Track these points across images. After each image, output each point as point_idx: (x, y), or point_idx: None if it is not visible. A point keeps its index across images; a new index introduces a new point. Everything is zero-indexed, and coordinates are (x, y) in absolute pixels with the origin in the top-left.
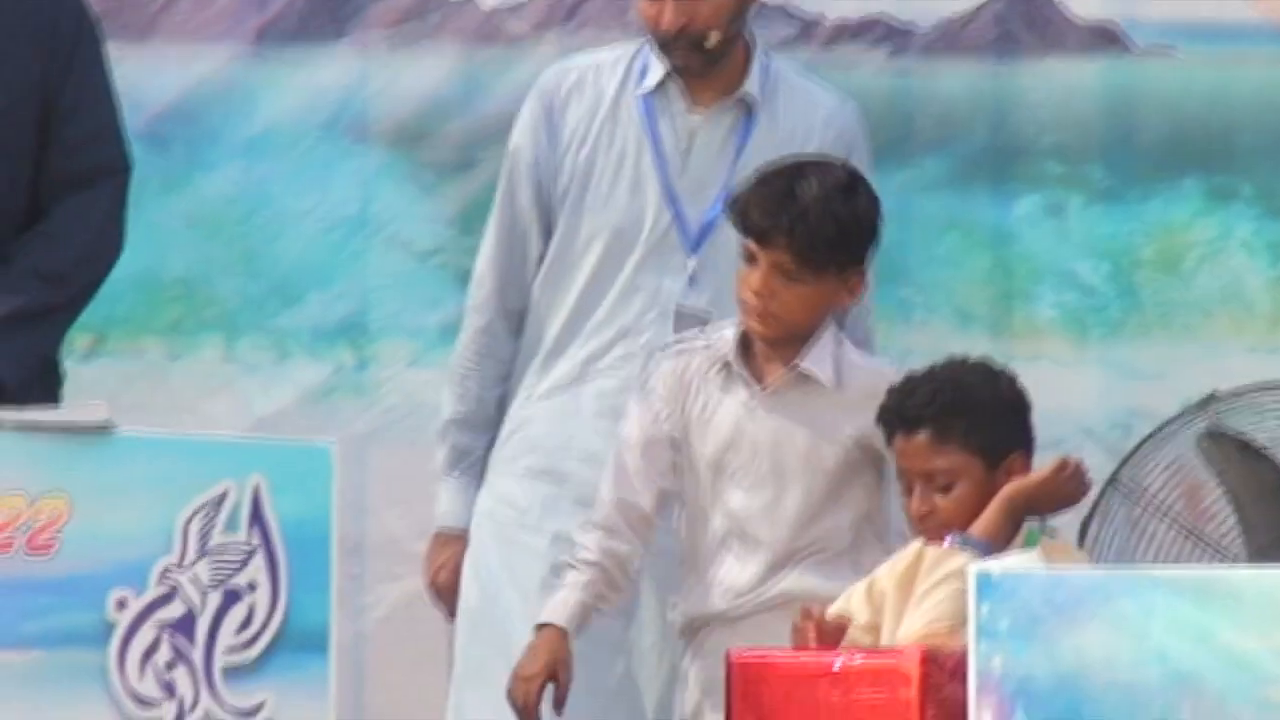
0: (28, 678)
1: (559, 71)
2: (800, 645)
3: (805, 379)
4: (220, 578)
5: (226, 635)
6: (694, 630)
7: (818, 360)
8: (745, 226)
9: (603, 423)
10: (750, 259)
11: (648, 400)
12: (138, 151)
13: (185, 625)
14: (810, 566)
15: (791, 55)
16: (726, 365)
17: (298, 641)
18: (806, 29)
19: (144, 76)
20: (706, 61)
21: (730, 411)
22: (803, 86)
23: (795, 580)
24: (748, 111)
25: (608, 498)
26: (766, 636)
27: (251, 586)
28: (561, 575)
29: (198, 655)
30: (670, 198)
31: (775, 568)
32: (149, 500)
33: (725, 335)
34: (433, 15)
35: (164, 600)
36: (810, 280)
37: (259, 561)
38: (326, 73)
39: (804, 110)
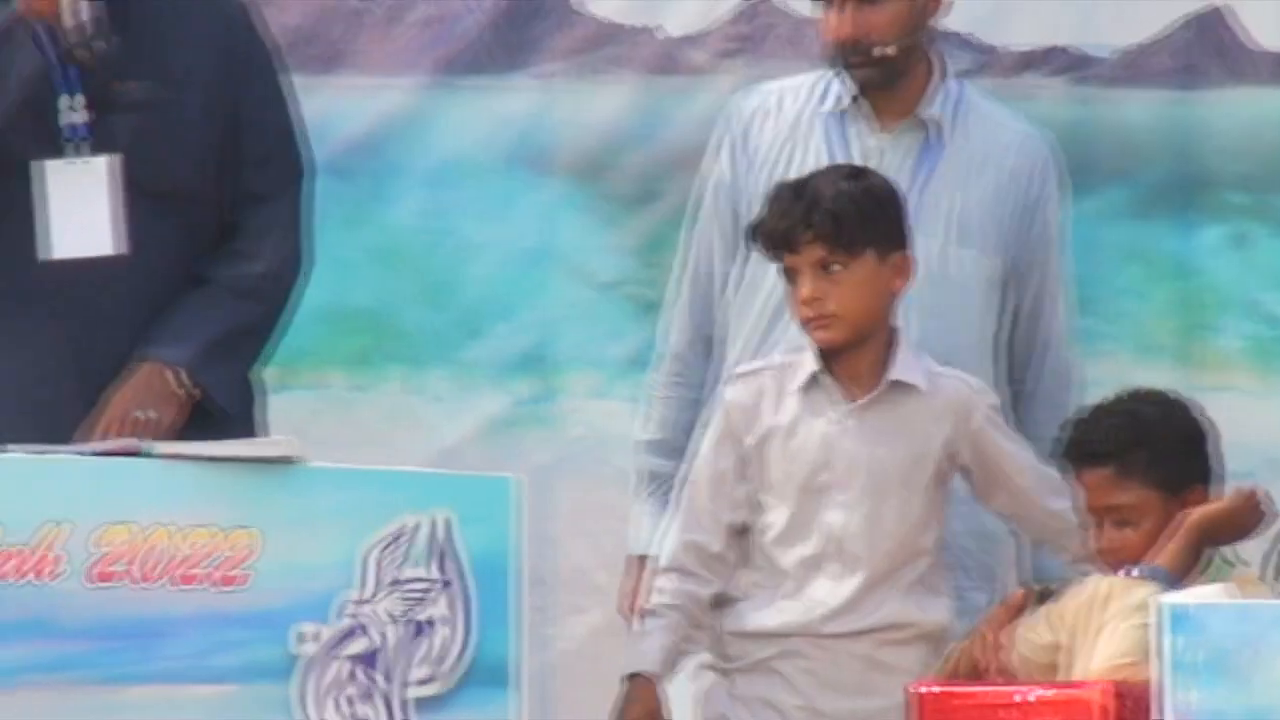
0: (217, 711)
1: (747, 95)
2: (951, 675)
3: (897, 388)
4: (405, 611)
5: (413, 669)
6: (768, 643)
7: (906, 368)
8: (770, 243)
9: None
10: (790, 276)
11: (715, 434)
12: (323, 184)
13: (370, 659)
14: (909, 590)
15: (972, 84)
16: (807, 385)
17: (485, 675)
18: (987, 58)
19: (329, 109)
20: (884, 75)
21: (818, 430)
22: (993, 112)
23: (898, 608)
24: (931, 133)
25: (678, 540)
26: (857, 660)
27: (437, 620)
28: (641, 622)
29: (384, 689)
30: None
31: (873, 586)
32: (334, 533)
33: (798, 358)
34: (613, 47)
35: (348, 634)
36: (853, 267)
37: (445, 595)
38: (508, 104)
39: (993, 135)
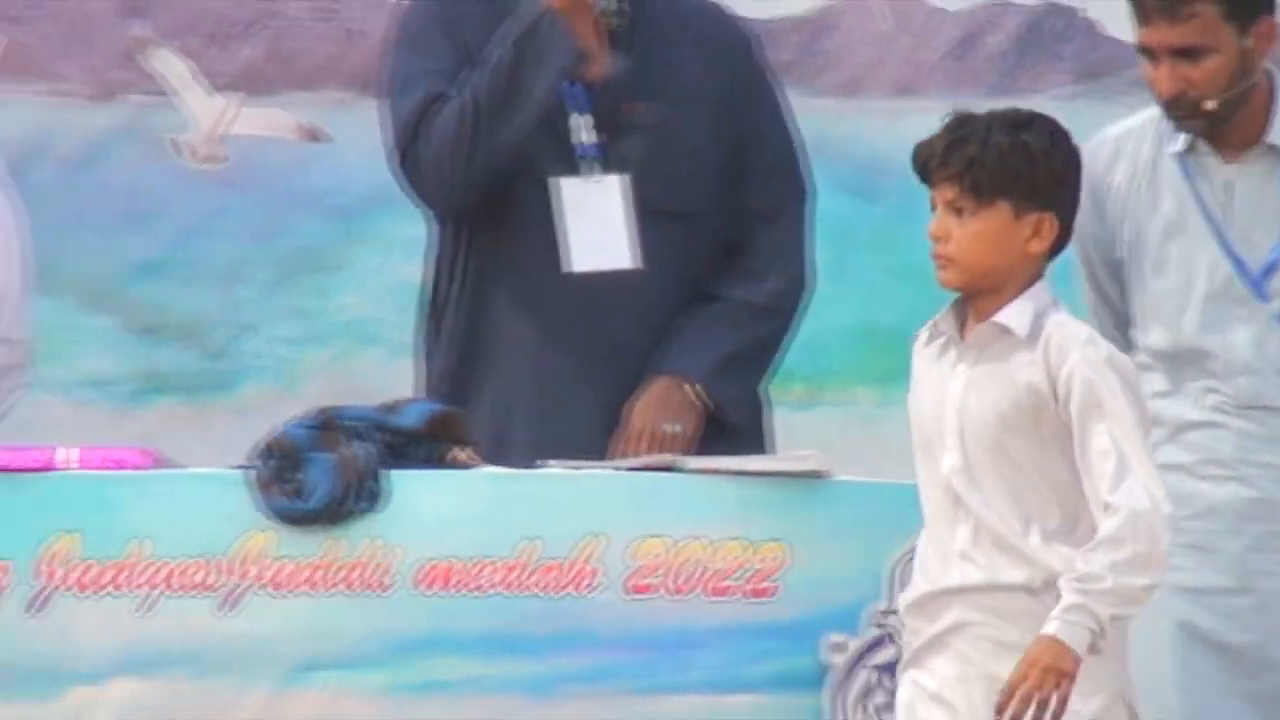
0: None
1: (1097, 144)
2: None
3: (1003, 332)
4: None
5: None
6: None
7: (1016, 314)
8: (919, 170)
9: (1210, 469)
10: (932, 208)
11: None
12: (847, 205)
13: (896, 668)
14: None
15: None
16: (942, 333)
17: None
18: None
19: (856, 130)
20: (1210, 124)
21: (936, 377)
22: None
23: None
24: None
25: None
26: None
27: None
28: None
29: None
30: (1225, 249)
31: (977, 539)
32: (861, 546)
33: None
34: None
35: (876, 644)
36: (981, 214)
37: None
38: None
39: None
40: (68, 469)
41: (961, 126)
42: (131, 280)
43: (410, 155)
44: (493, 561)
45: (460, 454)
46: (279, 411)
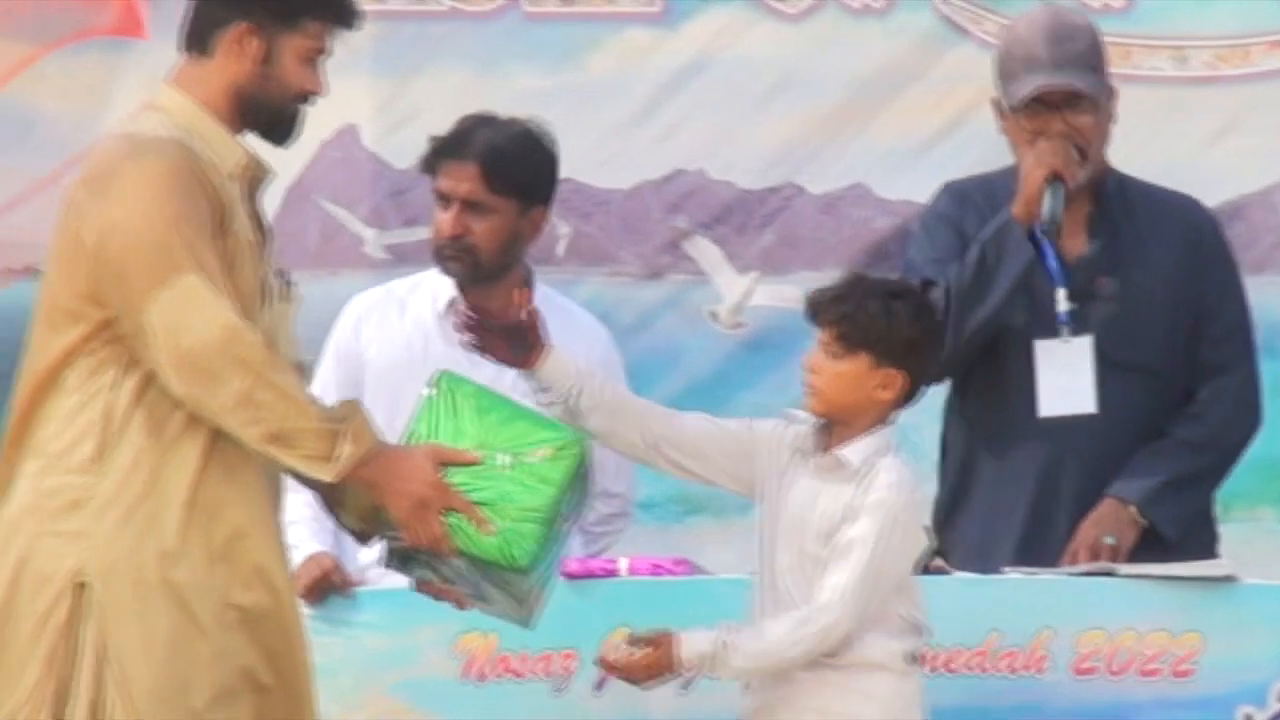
0: None
1: None
2: None
3: (839, 463)
4: None
5: None
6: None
7: (854, 450)
8: (808, 311)
9: None
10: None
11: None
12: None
13: None
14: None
15: None
16: (804, 448)
17: None
18: None
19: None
20: None
21: (792, 480)
22: None
23: None
24: None
25: None
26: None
27: None
28: None
29: None
30: None
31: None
32: (1267, 635)
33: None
34: None
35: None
36: (846, 360)
37: None
38: None
39: None
40: (623, 575)
41: (850, 284)
42: None
43: None
44: (965, 649)
45: (936, 562)
46: None
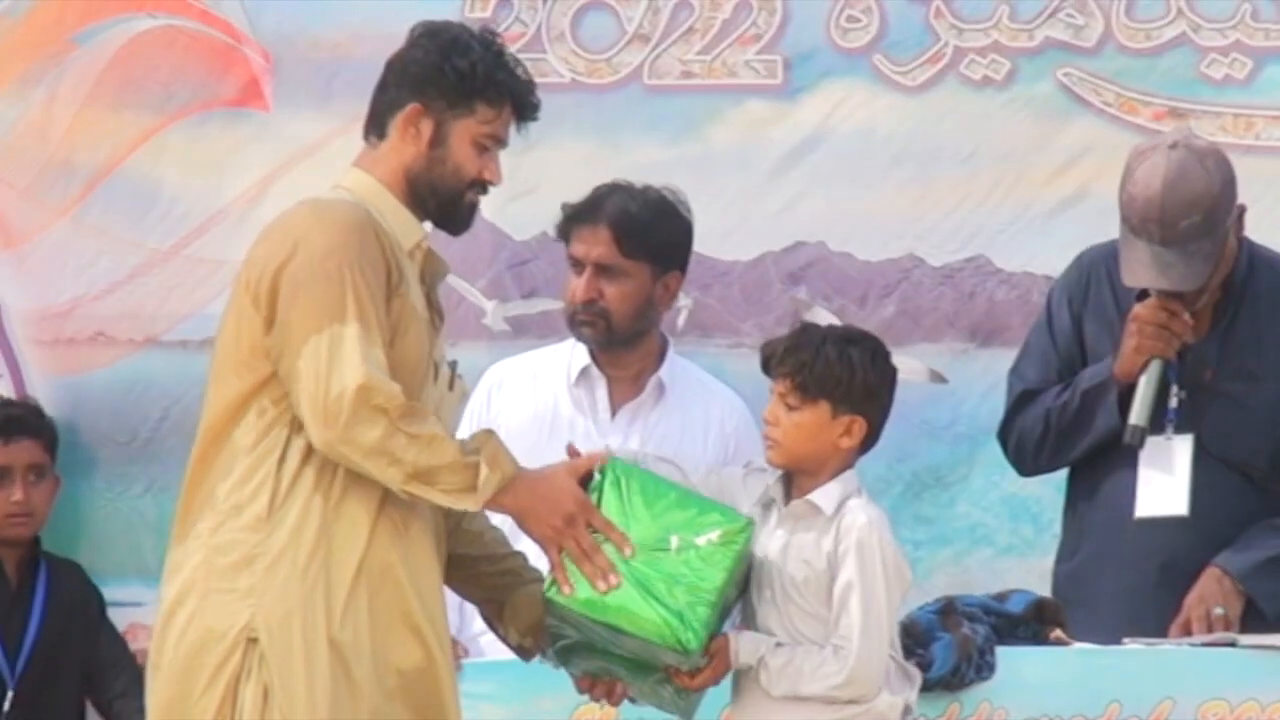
0: None
1: None
2: None
3: (812, 508)
4: None
5: None
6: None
7: (825, 495)
8: (762, 364)
9: None
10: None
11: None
12: None
13: None
14: None
15: None
16: (770, 499)
17: None
18: None
19: None
20: None
21: (760, 527)
22: None
23: None
24: None
25: None
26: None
27: None
28: None
29: None
30: None
31: None
32: None
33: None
34: None
35: None
36: (804, 410)
37: None
38: None
39: None
40: None
41: (802, 335)
42: None
43: (1005, 427)
44: (1086, 719)
45: (1058, 634)
46: (913, 602)
